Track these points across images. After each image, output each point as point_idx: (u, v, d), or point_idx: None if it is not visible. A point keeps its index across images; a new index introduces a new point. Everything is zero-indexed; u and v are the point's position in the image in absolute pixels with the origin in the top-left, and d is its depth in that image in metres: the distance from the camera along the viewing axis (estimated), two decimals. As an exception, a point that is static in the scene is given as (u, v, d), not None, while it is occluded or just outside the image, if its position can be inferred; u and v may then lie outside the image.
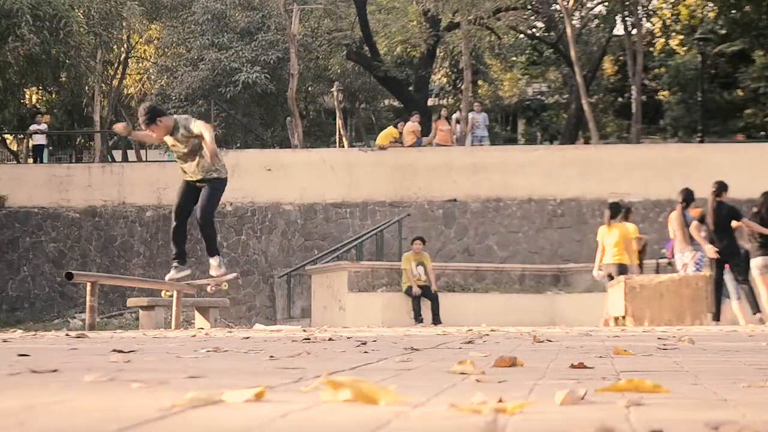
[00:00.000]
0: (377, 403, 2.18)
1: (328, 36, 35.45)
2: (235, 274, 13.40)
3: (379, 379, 3.03)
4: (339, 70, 36.39)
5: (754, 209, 15.80)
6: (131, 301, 16.69)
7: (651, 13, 42.67)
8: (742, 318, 15.68)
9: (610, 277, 17.01)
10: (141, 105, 12.73)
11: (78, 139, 37.93)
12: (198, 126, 11.49)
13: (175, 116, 11.96)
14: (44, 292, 27.09)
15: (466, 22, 31.10)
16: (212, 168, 11.62)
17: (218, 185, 11.77)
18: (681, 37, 43.76)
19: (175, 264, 12.21)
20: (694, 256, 16.21)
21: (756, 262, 15.42)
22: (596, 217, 24.81)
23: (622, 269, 16.86)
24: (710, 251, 15.59)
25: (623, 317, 15.85)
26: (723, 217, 15.58)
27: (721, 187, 15.76)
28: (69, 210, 27.37)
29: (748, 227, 15.48)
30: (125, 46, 35.83)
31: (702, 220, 15.90)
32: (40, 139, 31.16)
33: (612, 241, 17.17)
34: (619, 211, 17.62)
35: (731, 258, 15.60)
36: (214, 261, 12.13)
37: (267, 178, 26.73)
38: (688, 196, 16.62)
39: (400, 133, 28.17)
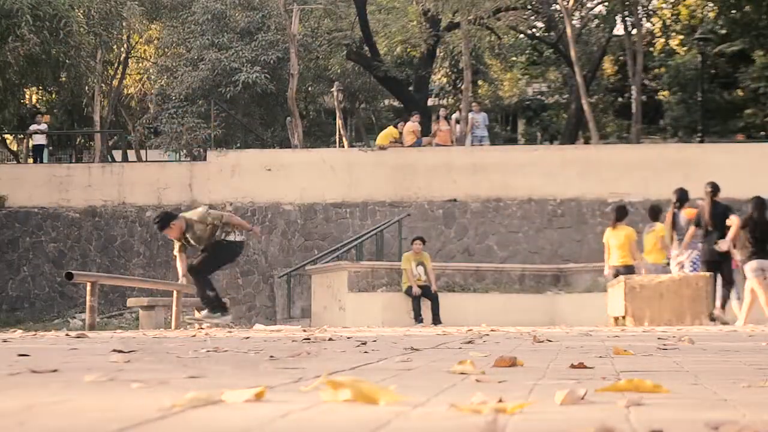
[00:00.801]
0: (377, 403, 2.18)
1: (328, 36, 35.44)
2: (229, 317, 12.94)
3: (379, 379, 3.03)
4: (339, 70, 36.37)
5: (748, 212, 15.86)
6: (131, 301, 16.69)
7: (651, 13, 42.66)
8: (742, 318, 15.68)
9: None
10: (153, 215, 12.96)
11: (78, 139, 37.92)
12: (226, 218, 11.77)
13: (186, 216, 12.03)
14: (44, 292, 27.08)
15: (466, 22, 31.09)
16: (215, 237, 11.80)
17: (214, 247, 11.87)
18: (681, 37, 43.74)
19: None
20: (689, 255, 16.25)
21: (750, 266, 15.43)
22: (596, 217, 24.81)
23: (629, 270, 16.91)
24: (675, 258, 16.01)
25: (623, 317, 15.85)
26: (719, 217, 15.65)
27: (716, 188, 15.91)
28: (69, 210, 27.35)
29: (733, 227, 15.49)
30: (125, 46, 35.83)
31: (698, 223, 15.94)
32: (40, 139, 31.14)
33: (617, 243, 17.24)
34: (625, 214, 17.74)
35: (722, 257, 15.66)
36: (204, 312, 12.21)
37: (267, 178, 26.73)
38: (681, 196, 16.67)
39: (400, 133, 28.14)
